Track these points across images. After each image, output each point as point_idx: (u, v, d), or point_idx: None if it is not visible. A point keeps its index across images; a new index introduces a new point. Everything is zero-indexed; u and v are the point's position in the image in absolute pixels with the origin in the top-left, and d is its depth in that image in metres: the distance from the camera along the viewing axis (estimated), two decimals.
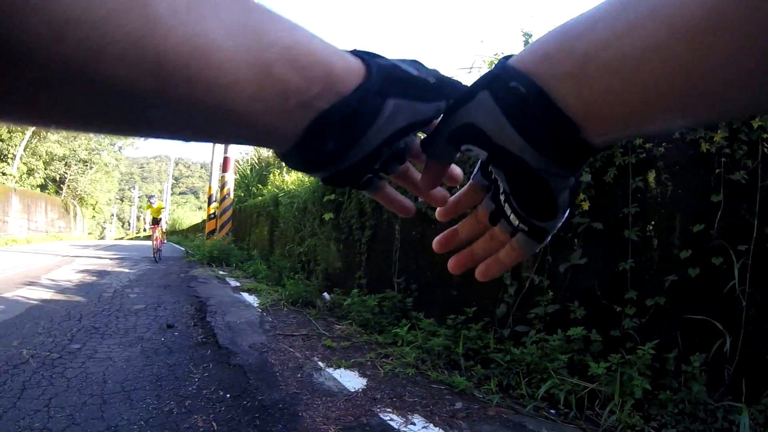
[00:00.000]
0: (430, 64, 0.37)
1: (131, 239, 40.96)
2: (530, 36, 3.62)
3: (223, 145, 12.66)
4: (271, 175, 11.37)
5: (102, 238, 43.60)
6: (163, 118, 0.26)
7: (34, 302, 4.89)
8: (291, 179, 9.08)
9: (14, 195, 20.66)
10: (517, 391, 2.66)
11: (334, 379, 2.82)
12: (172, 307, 4.95)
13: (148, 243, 15.86)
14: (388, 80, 0.32)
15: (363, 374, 2.94)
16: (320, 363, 3.12)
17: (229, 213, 12.25)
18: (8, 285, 5.99)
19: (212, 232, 12.48)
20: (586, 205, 2.75)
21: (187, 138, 0.30)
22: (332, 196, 5.83)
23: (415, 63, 0.36)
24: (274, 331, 3.99)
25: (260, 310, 4.88)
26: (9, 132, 23.16)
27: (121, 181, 56.83)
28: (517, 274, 3.18)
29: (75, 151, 30.93)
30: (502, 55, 0.34)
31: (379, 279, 4.82)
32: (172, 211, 48.23)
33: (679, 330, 2.36)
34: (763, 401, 2.06)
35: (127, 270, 8.68)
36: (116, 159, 37.01)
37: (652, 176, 2.57)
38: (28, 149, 25.47)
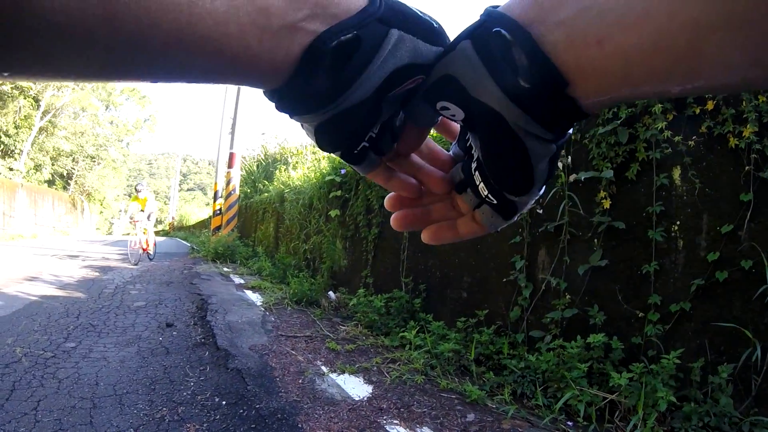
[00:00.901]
0: None
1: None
2: None
3: (228, 142, 12.63)
4: (278, 171, 11.30)
5: (110, 234, 43.92)
6: (121, 54, 0.24)
7: (34, 298, 4.81)
8: (297, 175, 8.99)
9: (21, 190, 20.73)
10: (532, 401, 2.52)
11: (338, 385, 2.68)
12: (173, 305, 4.85)
13: (156, 239, 15.55)
14: (392, 10, 0.31)
15: (368, 381, 2.79)
16: (323, 368, 2.98)
17: (234, 209, 12.18)
18: (10, 280, 5.93)
19: (218, 228, 12.41)
20: (607, 203, 2.60)
21: (156, 77, 0.27)
22: (338, 192, 5.73)
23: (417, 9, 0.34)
24: (276, 331, 3.86)
25: (263, 309, 4.77)
26: (16, 127, 23.28)
27: (129, 177, 57.13)
28: (533, 276, 3.04)
29: (82, 146, 31.08)
30: None
31: (387, 278, 4.71)
32: (180, 207, 48.41)
33: (705, 338, 2.23)
34: None
35: (130, 266, 8.61)
36: (123, 155, 37.11)
37: (677, 173, 2.43)
38: (35, 145, 25.58)
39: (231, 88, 13.29)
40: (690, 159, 2.38)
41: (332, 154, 0.44)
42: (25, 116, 23.77)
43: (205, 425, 2.09)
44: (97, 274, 7.06)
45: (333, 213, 5.79)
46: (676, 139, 2.41)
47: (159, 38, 0.24)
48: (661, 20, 0.22)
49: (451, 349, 3.08)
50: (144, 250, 9.72)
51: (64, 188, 32.05)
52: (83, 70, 0.25)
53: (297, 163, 10.78)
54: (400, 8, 0.31)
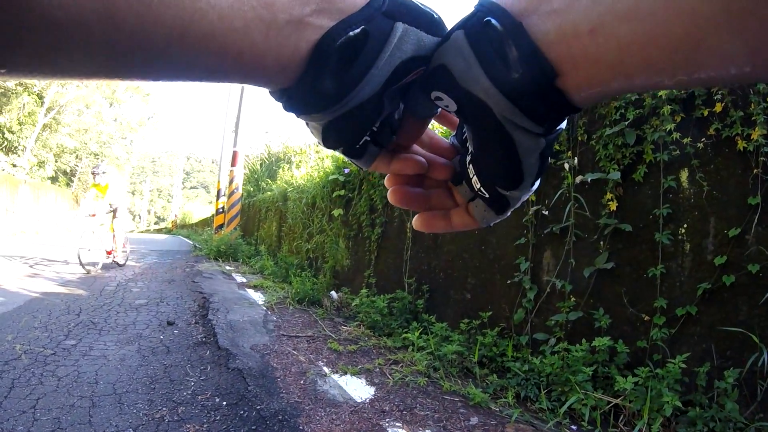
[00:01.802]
0: None
1: (141, 232, 41.28)
2: None
3: (232, 140, 12.62)
4: (281, 170, 11.29)
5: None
6: (123, 52, 0.23)
7: (35, 294, 4.80)
8: (301, 174, 8.98)
9: (24, 186, 20.75)
10: (536, 405, 2.49)
11: (340, 387, 2.65)
12: (175, 303, 4.83)
13: (158, 237, 15.16)
14: (396, 3, 0.31)
15: (371, 382, 2.77)
16: (325, 368, 2.95)
17: (237, 208, 12.18)
18: (11, 276, 5.92)
19: (220, 226, 12.40)
20: (613, 205, 2.57)
21: (159, 76, 0.26)
22: (342, 192, 5.71)
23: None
24: (278, 331, 3.84)
25: (265, 309, 4.75)
26: (20, 124, 23.30)
27: (133, 174, 57.21)
28: (538, 278, 3.01)
29: (86, 144, 31.07)
30: None
31: (389, 278, 4.69)
32: (182, 205, 48.44)
33: (711, 342, 2.21)
34: None
35: (132, 263, 8.60)
36: (127, 152, 37.00)
37: (684, 175, 2.40)
38: (39, 141, 25.60)
39: (234, 86, 13.28)
40: (698, 161, 2.35)
41: (335, 152, 0.43)
42: (29, 113, 23.78)
43: (205, 426, 2.07)
44: (99, 270, 7.04)
45: (336, 212, 5.77)
46: (684, 141, 2.38)
47: (161, 34, 0.23)
48: (656, 8, 0.22)
49: (454, 351, 3.05)
50: (108, 253, 7.40)
51: (68, 185, 32.06)
52: (83, 69, 0.25)
53: (300, 162, 10.77)
54: (403, 1, 0.31)
